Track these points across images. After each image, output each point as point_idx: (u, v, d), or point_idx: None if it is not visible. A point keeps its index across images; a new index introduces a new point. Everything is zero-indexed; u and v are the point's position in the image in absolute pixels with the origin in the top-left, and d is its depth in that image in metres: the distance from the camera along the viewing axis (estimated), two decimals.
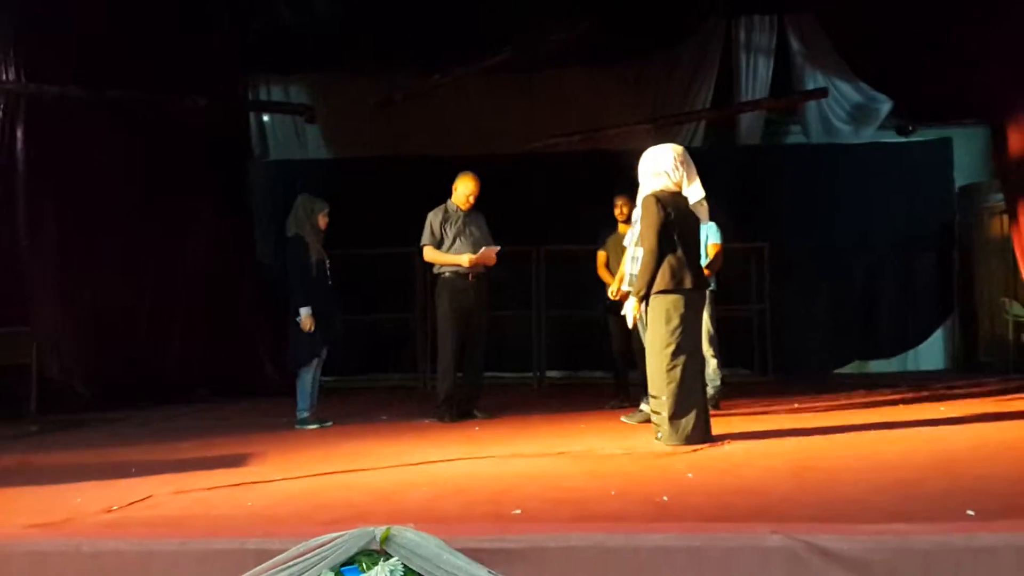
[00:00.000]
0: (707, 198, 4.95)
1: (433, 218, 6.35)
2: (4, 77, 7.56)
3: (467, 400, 6.40)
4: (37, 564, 2.52)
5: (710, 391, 5.73)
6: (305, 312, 5.90)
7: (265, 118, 10.73)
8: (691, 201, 4.89)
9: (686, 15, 9.85)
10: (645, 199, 4.78)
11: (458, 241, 6.28)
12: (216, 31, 9.27)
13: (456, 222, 6.32)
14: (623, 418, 5.99)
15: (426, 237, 6.34)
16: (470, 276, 6.25)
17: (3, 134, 7.55)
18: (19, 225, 7.55)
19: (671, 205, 4.76)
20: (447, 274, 6.30)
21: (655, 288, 4.69)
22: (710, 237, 6.10)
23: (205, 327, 8.99)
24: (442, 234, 6.30)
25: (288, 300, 6.07)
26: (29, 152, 7.57)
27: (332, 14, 9.10)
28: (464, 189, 6.30)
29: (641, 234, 4.76)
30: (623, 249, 6.90)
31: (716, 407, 5.96)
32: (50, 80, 7.59)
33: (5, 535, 2.69)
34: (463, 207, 6.32)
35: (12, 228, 7.53)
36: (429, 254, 6.34)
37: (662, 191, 4.78)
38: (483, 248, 6.17)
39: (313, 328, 5.93)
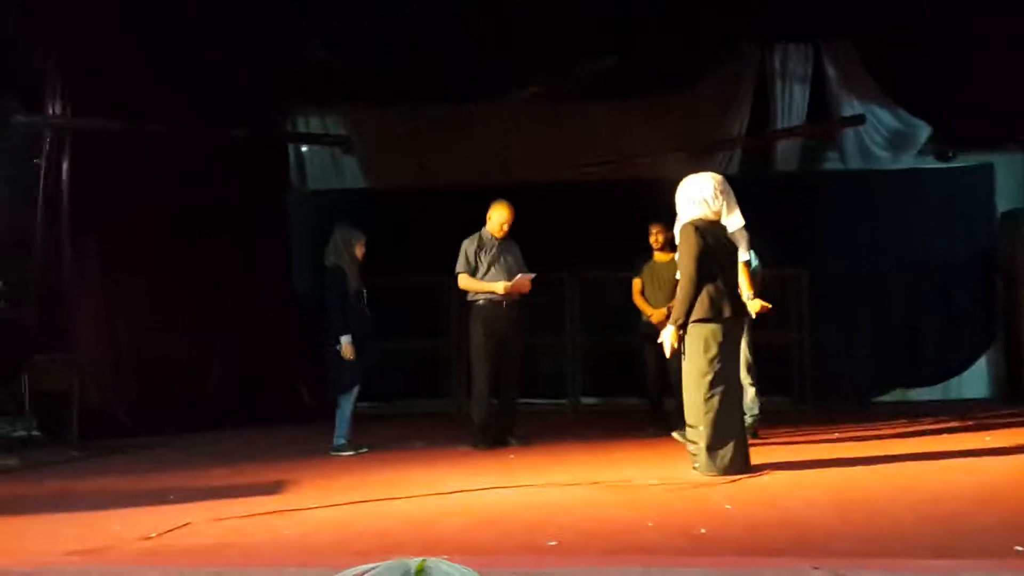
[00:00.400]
0: (745, 226, 4.93)
1: (468, 246, 6.40)
2: (52, 111, 7.76)
3: (501, 427, 6.39)
4: None
5: (748, 420, 5.66)
6: (346, 340, 5.96)
7: (303, 149, 10.88)
8: (731, 230, 4.89)
9: (717, 46, 9.85)
10: (684, 227, 4.77)
11: (493, 269, 6.31)
12: (255, 65, 9.44)
13: (491, 250, 6.35)
14: (675, 434, 5.89)
15: (461, 264, 6.38)
16: (504, 304, 6.26)
17: (50, 166, 7.75)
18: (64, 255, 7.71)
19: (710, 234, 4.75)
20: (481, 301, 6.32)
21: (693, 317, 4.67)
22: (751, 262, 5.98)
23: (243, 355, 9.07)
24: (476, 262, 6.34)
25: (326, 329, 6.12)
26: (73, 184, 7.74)
27: (364, 50, 9.23)
28: (498, 217, 6.35)
29: (680, 262, 4.74)
30: (658, 276, 6.93)
31: (754, 436, 5.89)
32: (94, 114, 7.77)
33: (45, 562, 2.71)
34: (497, 235, 6.36)
35: (57, 258, 7.70)
36: (464, 281, 6.38)
37: (701, 219, 4.77)
38: (518, 276, 6.20)
39: (353, 356, 5.97)
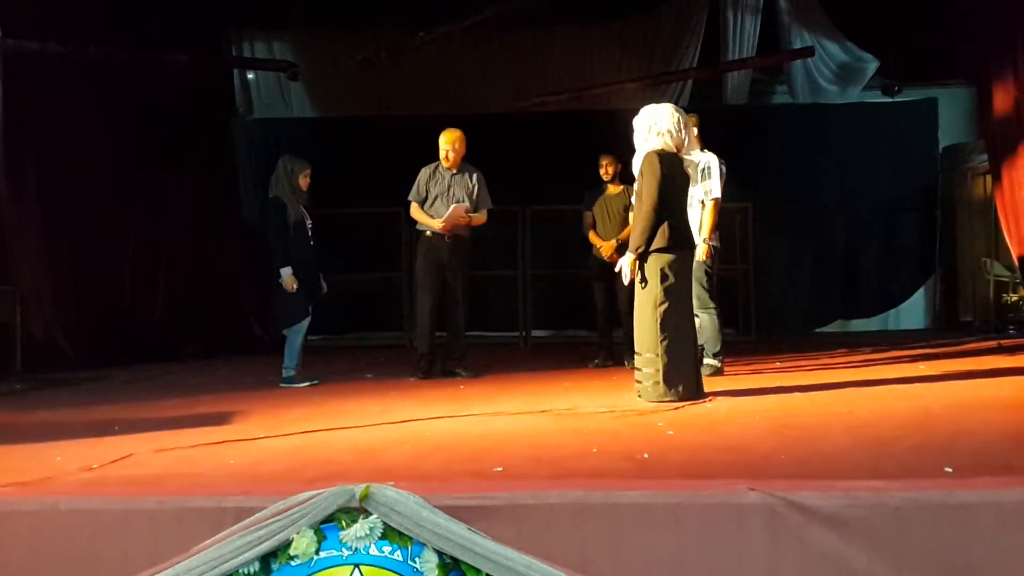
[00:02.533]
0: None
1: (422, 175, 6.35)
2: None
3: (449, 359, 6.42)
4: (13, 523, 2.52)
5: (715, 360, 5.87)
6: (286, 272, 5.90)
7: (249, 75, 10.60)
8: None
9: None
10: (648, 155, 4.76)
11: (438, 200, 6.26)
12: None
13: (440, 181, 6.29)
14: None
15: (412, 193, 6.35)
16: (446, 236, 6.22)
17: None
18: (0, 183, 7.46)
19: (670, 164, 4.77)
20: (427, 233, 6.29)
21: (653, 246, 4.70)
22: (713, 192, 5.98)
23: (191, 286, 8.97)
24: (426, 191, 6.28)
25: (270, 261, 6.05)
26: (8, 109, 7.43)
27: None
28: (441, 145, 6.26)
29: (643, 190, 4.74)
30: (609, 208, 6.94)
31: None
32: (29, 36, 7.44)
33: None
34: (445, 164, 6.28)
35: None
36: (413, 211, 6.34)
37: (663, 150, 4.77)
38: (451, 207, 6.13)
39: (296, 288, 5.92)
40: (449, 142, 6.23)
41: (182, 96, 8.88)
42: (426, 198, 6.28)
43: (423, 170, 6.35)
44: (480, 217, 6.37)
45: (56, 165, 7.68)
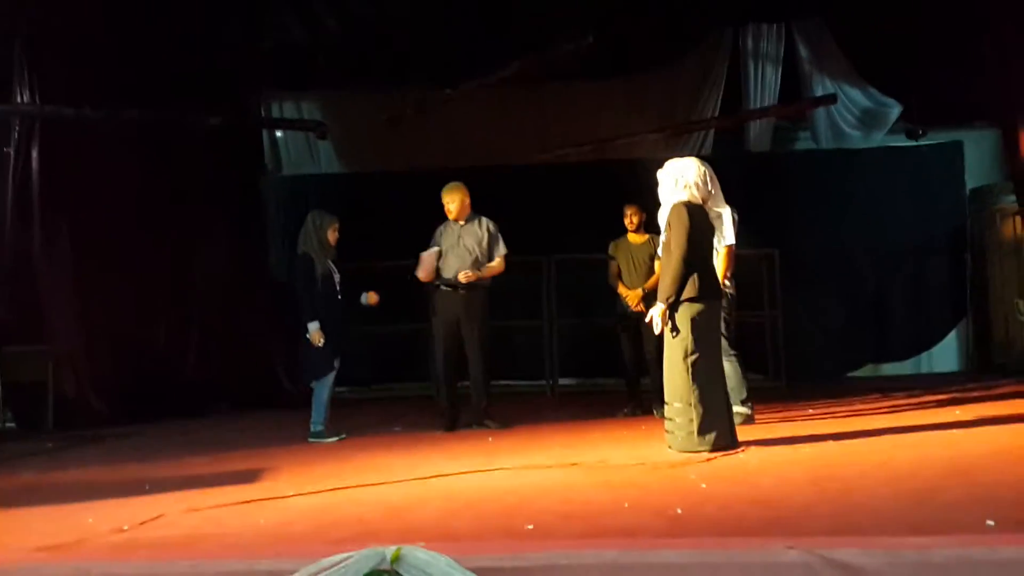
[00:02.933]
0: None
1: (436, 233, 6.47)
2: (20, 99, 7.61)
3: (474, 411, 6.40)
4: None
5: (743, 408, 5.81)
6: (313, 327, 5.93)
7: (278, 135, 10.79)
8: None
9: (691, 26, 9.86)
10: (676, 207, 4.81)
11: (450, 253, 6.34)
12: (229, 50, 9.33)
13: (450, 235, 6.37)
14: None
15: (429, 251, 6.44)
16: (458, 289, 6.26)
17: (19, 155, 7.60)
18: (35, 244, 7.59)
19: (697, 215, 4.82)
20: (441, 287, 6.33)
21: (683, 296, 4.71)
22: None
23: (221, 342, 9.03)
24: (440, 247, 6.38)
25: (299, 315, 6.09)
26: (44, 173, 7.60)
27: (343, 32, 9.16)
28: (445, 201, 6.37)
29: (671, 241, 4.77)
30: (634, 258, 6.94)
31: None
32: (65, 101, 7.64)
33: (12, 560, 2.68)
34: (451, 218, 6.36)
35: (28, 247, 7.57)
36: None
37: (689, 202, 4.81)
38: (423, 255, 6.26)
39: (323, 342, 5.94)
40: (449, 198, 6.34)
41: (213, 157, 9.03)
42: (440, 254, 6.35)
43: (438, 228, 6.46)
44: (495, 267, 6.38)
45: (90, 226, 7.81)
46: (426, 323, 9.74)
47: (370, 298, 6.29)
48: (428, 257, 6.28)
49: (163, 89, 8.38)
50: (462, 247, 6.31)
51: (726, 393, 4.93)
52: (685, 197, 4.85)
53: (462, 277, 6.22)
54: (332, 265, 6.17)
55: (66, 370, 7.51)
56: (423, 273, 6.30)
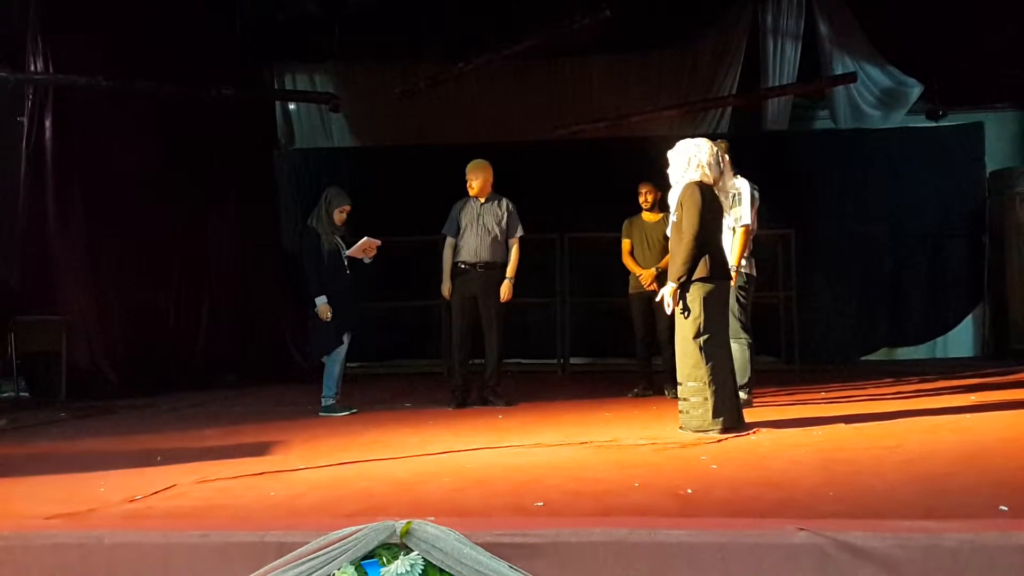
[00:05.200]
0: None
1: (454, 208, 6.45)
2: (33, 68, 7.62)
3: (484, 387, 6.41)
4: (57, 556, 2.53)
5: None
6: (320, 301, 5.94)
7: (291, 107, 10.76)
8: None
9: (711, 1, 9.74)
10: (689, 186, 4.78)
11: (468, 230, 6.31)
12: (243, 21, 9.29)
13: (470, 211, 6.34)
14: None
15: (446, 226, 6.45)
16: (476, 266, 6.27)
17: (32, 124, 7.63)
18: (48, 214, 7.63)
19: (708, 196, 4.80)
20: (460, 264, 6.34)
21: (695, 276, 4.69)
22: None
23: (233, 315, 9.08)
24: (458, 224, 6.35)
25: (307, 290, 6.10)
26: (57, 142, 7.63)
27: (358, 4, 9.09)
28: (469, 177, 6.35)
29: (684, 221, 4.73)
30: (647, 236, 6.90)
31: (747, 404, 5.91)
32: (78, 71, 7.63)
33: (26, 526, 2.70)
34: (473, 195, 6.33)
35: (42, 217, 7.61)
36: (445, 248, 6.42)
37: (701, 182, 4.78)
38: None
39: (331, 316, 5.94)
40: (473, 175, 6.32)
41: (225, 128, 9.03)
42: (459, 229, 6.34)
43: (456, 204, 6.43)
44: (515, 258, 6.35)
45: (103, 197, 7.83)
46: (435, 300, 9.81)
47: (362, 250, 6.11)
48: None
49: (177, 59, 8.36)
50: (481, 225, 6.31)
51: (733, 375, 4.91)
52: (697, 177, 4.81)
53: (504, 296, 6.27)
54: (340, 241, 6.15)
55: (79, 340, 7.56)
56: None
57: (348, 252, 6.11)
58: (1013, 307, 9.74)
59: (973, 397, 6.05)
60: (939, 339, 10.23)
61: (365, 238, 6.11)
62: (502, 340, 6.45)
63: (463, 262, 6.32)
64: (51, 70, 7.62)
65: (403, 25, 9.54)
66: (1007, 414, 5.25)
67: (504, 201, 6.41)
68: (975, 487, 3.23)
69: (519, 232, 6.41)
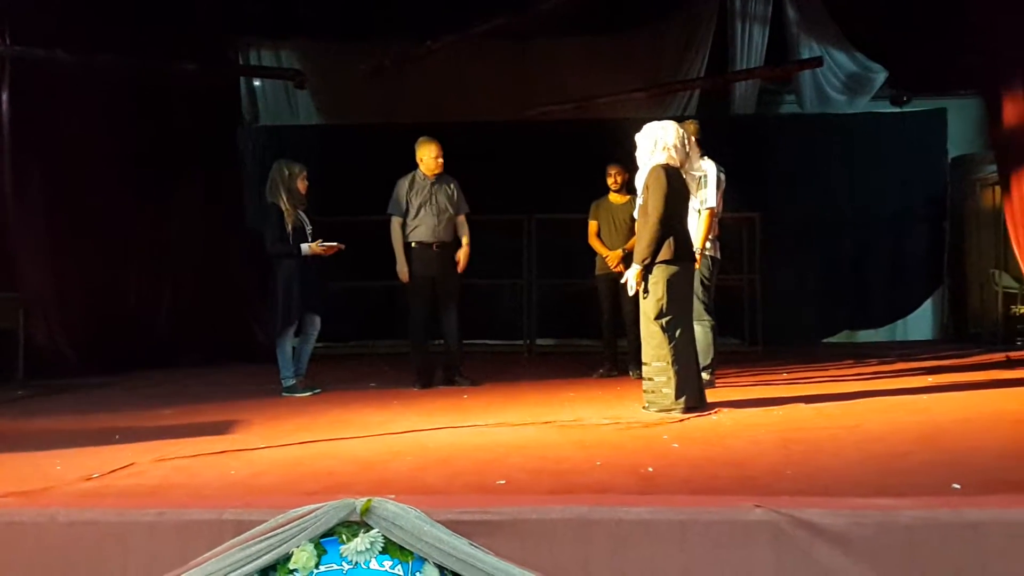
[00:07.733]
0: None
1: (400, 187, 6.28)
2: None
3: (448, 368, 6.38)
4: (12, 534, 2.49)
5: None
6: (305, 247, 5.85)
7: (256, 83, 10.61)
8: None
9: None
10: (655, 169, 4.79)
11: (423, 210, 6.21)
12: None
13: (421, 191, 6.24)
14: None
15: (391, 206, 6.30)
16: (434, 245, 6.20)
17: None
18: (5, 189, 7.45)
19: (674, 178, 4.81)
20: (413, 244, 6.25)
21: (659, 258, 4.71)
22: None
23: (195, 293, 8.96)
24: (407, 203, 6.23)
25: (269, 267, 6.01)
26: (15, 116, 7.45)
27: None
28: (428, 154, 6.21)
29: (649, 203, 4.75)
30: (614, 218, 6.91)
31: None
32: (37, 43, 7.45)
33: None
34: (430, 173, 6.24)
35: None
36: (394, 228, 6.28)
37: (667, 164, 4.79)
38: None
39: (293, 291, 5.87)
40: (436, 152, 6.20)
41: (188, 103, 8.88)
42: (407, 209, 6.23)
43: (400, 182, 6.28)
44: (464, 247, 6.30)
45: (61, 172, 7.68)
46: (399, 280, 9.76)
47: (323, 250, 6.02)
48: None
49: (139, 34, 8.20)
50: (435, 204, 6.23)
51: (696, 355, 4.95)
52: (663, 160, 4.82)
53: (462, 266, 6.24)
54: (303, 216, 6.03)
55: (37, 318, 7.42)
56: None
57: (307, 249, 5.94)
58: (972, 292, 9.92)
59: (931, 379, 6.15)
60: (899, 322, 10.39)
61: (324, 244, 5.98)
62: (461, 320, 6.41)
63: (420, 242, 6.22)
64: (8, 42, 7.43)
65: (370, 2, 9.43)
66: (963, 395, 5.35)
67: (451, 179, 6.35)
68: (930, 466, 3.29)
69: (465, 208, 6.37)
